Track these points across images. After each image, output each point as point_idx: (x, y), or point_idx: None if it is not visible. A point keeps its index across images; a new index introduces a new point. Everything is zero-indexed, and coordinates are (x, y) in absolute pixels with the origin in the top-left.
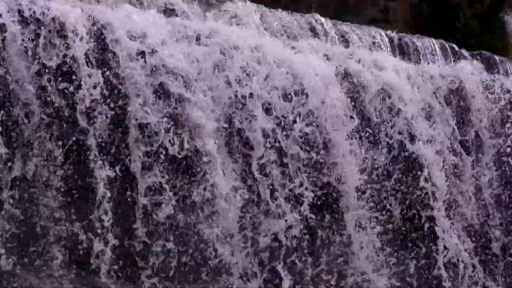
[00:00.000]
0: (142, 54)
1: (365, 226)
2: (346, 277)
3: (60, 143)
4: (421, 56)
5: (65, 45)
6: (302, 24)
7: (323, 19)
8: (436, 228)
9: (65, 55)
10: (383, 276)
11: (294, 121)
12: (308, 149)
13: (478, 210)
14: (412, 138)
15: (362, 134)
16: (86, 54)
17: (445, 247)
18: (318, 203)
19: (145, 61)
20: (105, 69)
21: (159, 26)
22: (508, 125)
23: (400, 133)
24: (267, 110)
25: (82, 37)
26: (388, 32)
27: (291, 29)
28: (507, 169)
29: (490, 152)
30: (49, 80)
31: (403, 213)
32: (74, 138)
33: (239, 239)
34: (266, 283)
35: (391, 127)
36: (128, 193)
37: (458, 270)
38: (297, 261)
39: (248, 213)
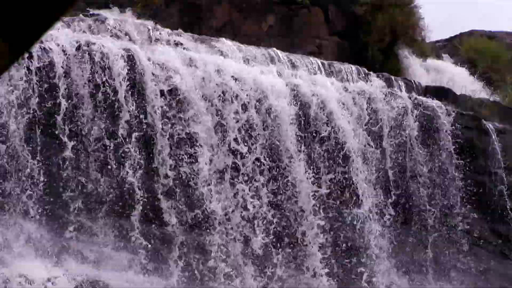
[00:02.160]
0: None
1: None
2: None
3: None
4: (343, 76)
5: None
6: (265, 55)
7: (278, 52)
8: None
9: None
10: None
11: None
12: (265, 131)
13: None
14: (338, 130)
15: (303, 119)
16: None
17: None
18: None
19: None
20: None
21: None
22: (399, 122)
23: (327, 124)
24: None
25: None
26: (322, 60)
27: (260, 59)
28: (401, 156)
29: (390, 142)
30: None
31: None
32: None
33: None
34: None
35: (322, 119)
36: None
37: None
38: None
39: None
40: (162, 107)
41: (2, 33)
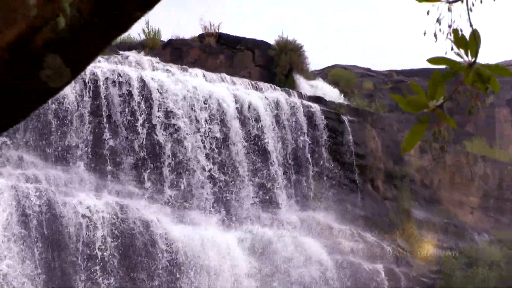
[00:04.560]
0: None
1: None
2: None
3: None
4: (262, 89)
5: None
6: (218, 77)
7: (226, 76)
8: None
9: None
10: None
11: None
12: (221, 129)
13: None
14: (259, 118)
15: (240, 111)
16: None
17: None
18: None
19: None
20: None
21: (166, 77)
22: (293, 115)
23: (256, 121)
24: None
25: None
26: (251, 81)
27: (215, 79)
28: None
29: (288, 126)
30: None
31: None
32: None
33: None
34: None
35: (250, 111)
36: None
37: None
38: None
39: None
40: (160, 106)
41: (65, 60)
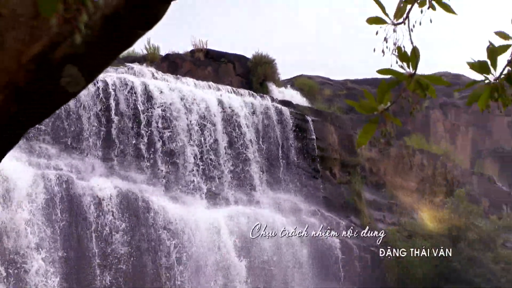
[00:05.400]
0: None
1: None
2: None
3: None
4: (242, 95)
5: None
6: (205, 85)
7: (212, 83)
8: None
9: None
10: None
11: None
12: (207, 127)
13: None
14: (238, 117)
15: (222, 111)
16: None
17: None
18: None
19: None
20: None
21: (166, 85)
22: (267, 115)
23: (236, 121)
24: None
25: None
26: (232, 87)
27: (203, 86)
28: (267, 140)
29: (261, 124)
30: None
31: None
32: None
33: None
34: None
35: (231, 112)
36: None
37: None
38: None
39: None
40: (158, 106)
41: (81, 70)
